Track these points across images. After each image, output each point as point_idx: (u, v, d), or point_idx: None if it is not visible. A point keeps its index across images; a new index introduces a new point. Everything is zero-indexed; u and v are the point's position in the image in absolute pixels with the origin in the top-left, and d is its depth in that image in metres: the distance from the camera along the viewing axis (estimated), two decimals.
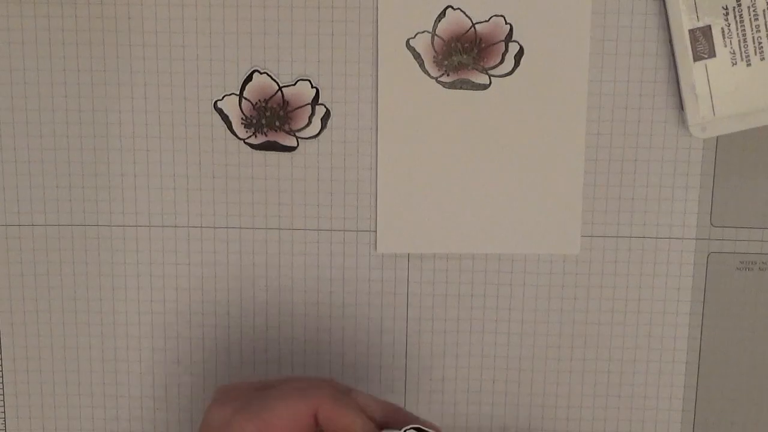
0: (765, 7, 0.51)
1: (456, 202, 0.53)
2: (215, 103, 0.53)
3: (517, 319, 0.55)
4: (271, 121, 0.53)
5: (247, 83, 0.53)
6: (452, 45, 0.52)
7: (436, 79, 0.53)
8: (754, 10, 0.51)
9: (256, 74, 0.53)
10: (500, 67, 0.52)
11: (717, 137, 0.53)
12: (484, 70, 0.52)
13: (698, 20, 0.51)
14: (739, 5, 0.51)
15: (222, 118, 0.54)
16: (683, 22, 0.51)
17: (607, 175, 0.54)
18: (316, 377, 0.46)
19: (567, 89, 0.52)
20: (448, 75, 0.53)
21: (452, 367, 0.56)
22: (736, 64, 0.51)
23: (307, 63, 0.53)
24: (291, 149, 0.54)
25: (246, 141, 0.54)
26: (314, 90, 0.53)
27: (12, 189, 0.54)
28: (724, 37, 0.51)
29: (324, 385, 0.44)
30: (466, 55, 0.52)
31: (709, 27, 0.51)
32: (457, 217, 0.54)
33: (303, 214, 0.54)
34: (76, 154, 0.54)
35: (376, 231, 0.54)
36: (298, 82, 0.53)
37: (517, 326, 0.55)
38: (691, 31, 0.51)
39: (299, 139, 0.54)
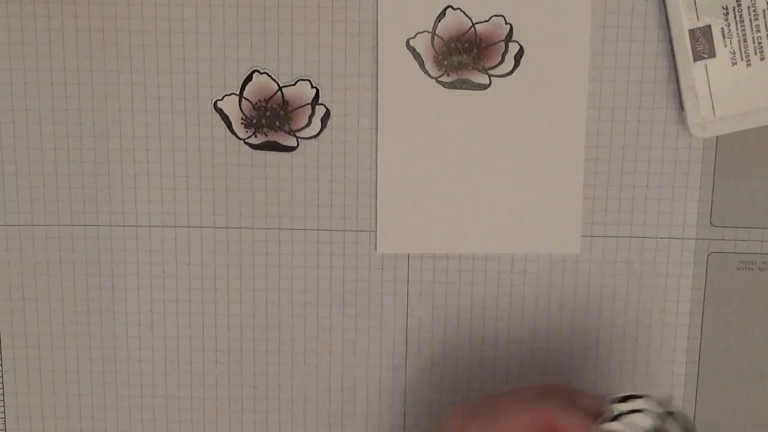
0: (765, 7, 0.51)
1: (456, 202, 0.53)
2: (215, 103, 0.53)
3: (517, 319, 0.55)
4: (271, 121, 0.53)
5: (247, 83, 0.53)
6: (452, 45, 0.52)
7: (436, 79, 0.53)
8: (754, 10, 0.51)
9: (256, 74, 0.53)
10: (500, 67, 0.52)
11: (717, 137, 0.53)
12: (484, 70, 0.52)
13: (698, 20, 0.51)
14: (739, 5, 0.51)
15: (222, 118, 0.54)
16: (683, 22, 0.51)
17: (607, 175, 0.54)
18: (545, 385, 0.46)
19: (567, 89, 0.52)
20: (448, 75, 0.53)
21: (452, 367, 0.56)
22: (736, 64, 0.51)
23: (307, 63, 0.53)
24: (291, 149, 0.54)
25: (246, 141, 0.54)
26: (314, 90, 0.53)
27: (12, 189, 0.54)
28: (724, 37, 0.51)
29: (554, 394, 0.45)
30: (466, 55, 0.52)
31: (709, 27, 0.51)
32: (457, 217, 0.54)
33: (303, 214, 0.54)
34: (76, 154, 0.54)
35: (376, 231, 0.54)
36: (298, 82, 0.53)
37: (517, 326, 0.55)
38: (691, 31, 0.51)
39: (299, 139, 0.54)
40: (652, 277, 0.54)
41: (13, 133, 0.54)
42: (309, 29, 0.53)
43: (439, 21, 0.52)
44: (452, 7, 0.52)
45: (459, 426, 0.45)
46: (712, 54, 0.51)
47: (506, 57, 0.52)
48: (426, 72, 0.53)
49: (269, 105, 0.53)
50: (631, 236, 0.54)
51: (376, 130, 0.53)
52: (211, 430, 0.57)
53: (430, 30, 0.52)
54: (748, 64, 0.51)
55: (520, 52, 0.52)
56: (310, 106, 0.53)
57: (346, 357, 0.56)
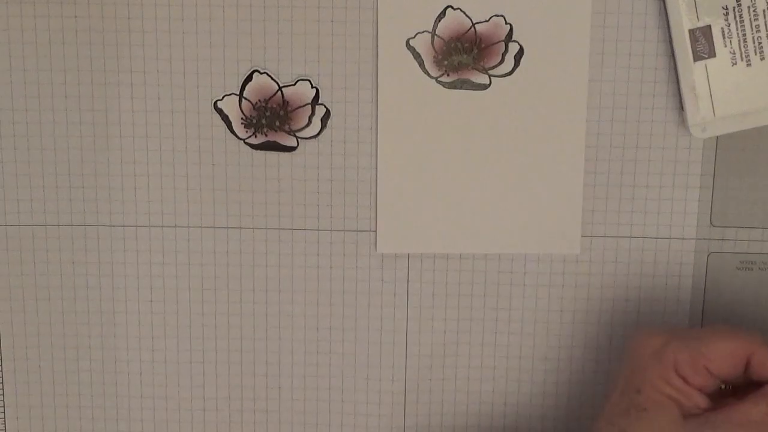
0: (765, 7, 0.51)
1: (456, 202, 0.53)
2: (215, 103, 0.53)
3: (517, 319, 0.55)
4: (271, 121, 0.53)
5: (247, 83, 0.53)
6: (452, 45, 0.52)
7: (436, 79, 0.53)
8: (754, 10, 0.51)
9: (256, 74, 0.53)
10: (500, 67, 0.52)
11: (717, 137, 0.53)
12: (484, 70, 0.52)
13: (698, 20, 0.51)
14: (739, 5, 0.51)
15: (222, 118, 0.54)
16: (683, 22, 0.51)
17: (607, 175, 0.53)
18: (742, 328, 0.48)
19: (567, 89, 0.52)
20: (448, 75, 0.53)
21: (452, 367, 0.56)
22: (736, 64, 0.51)
23: (307, 63, 0.53)
24: (291, 149, 0.54)
25: (246, 141, 0.54)
26: (314, 90, 0.53)
27: (12, 189, 0.54)
28: (724, 37, 0.51)
29: (757, 335, 0.46)
30: (466, 55, 0.52)
31: (709, 27, 0.51)
32: (457, 217, 0.54)
33: (303, 214, 0.54)
34: (76, 154, 0.54)
35: (376, 231, 0.54)
36: (298, 82, 0.53)
37: (517, 326, 0.55)
38: (691, 31, 0.51)
39: (299, 139, 0.54)
40: (652, 277, 0.54)
41: (13, 133, 0.54)
42: (309, 29, 0.53)
43: (439, 21, 0.52)
44: (452, 7, 0.52)
45: (659, 345, 0.47)
46: (712, 54, 0.51)
47: (506, 57, 0.52)
48: (426, 72, 0.53)
49: (269, 105, 0.53)
50: (631, 236, 0.54)
51: (376, 130, 0.53)
52: (211, 430, 0.57)
53: (430, 30, 0.52)
54: (748, 64, 0.51)
55: (520, 52, 0.52)
56: (310, 106, 0.53)
57: (346, 357, 0.56)
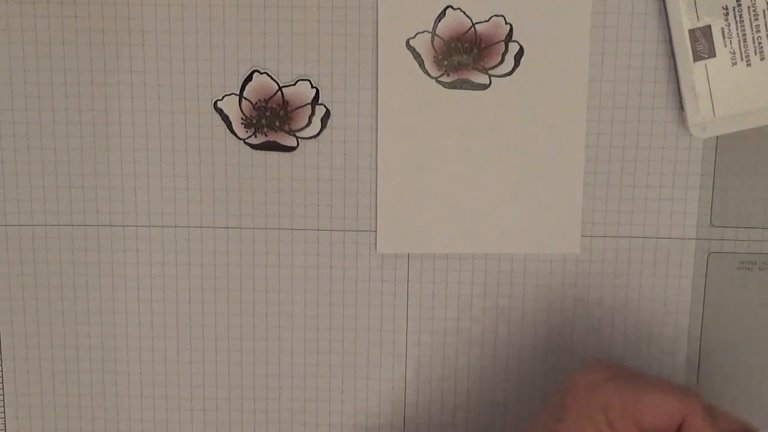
0: (765, 7, 0.51)
1: (456, 202, 0.53)
2: (215, 103, 0.53)
3: (517, 319, 0.55)
4: (271, 121, 0.53)
5: (247, 83, 0.53)
6: (452, 45, 0.52)
7: (436, 79, 0.53)
8: (754, 10, 0.51)
9: (256, 74, 0.53)
10: (500, 67, 0.52)
11: (717, 137, 0.53)
12: (484, 70, 0.53)
13: (698, 20, 0.51)
14: (739, 5, 0.51)
15: (222, 118, 0.54)
16: (683, 22, 0.51)
17: (607, 175, 0.54)
18: (684, 386, 0.46)
19: (567, 89, 0.52)
20: (448, 75, 0.53)
21: (452, 367, 0.56)
22: (736, 64, 0.51)
23: (307, 63, 0.53)
24: (291, 149, 0.54)
25: (246, 141, 0.54)
26: (314, 90, 0.53)
27: (12, 189, 0.54)
28: (724, 37, 0.51)
29: (697, 397, 0.44)
30: (466, 55, 0.52)
31: (709, 27, 0.51)
32: (457, 217, 0.54)
33: (303, 214, 0.54)
34: (76, 154, 0.54)
35: (376, 231, 0.54)
36: (298, 82, 0.53)
37: (517, 326, 0.55)
38: (691, 31, 0.51)
39: (299, 139, 0.54)
40: (652, 277, 0.54)
41: (13, 133, 0.54)
42: (309, 29, 0.53)
43: (439, 21, 0.52)
44: (452, 7, 0.52)
45: (596, 381, 0.45)
46: (712, 54, 0.51)
47: (506, 57, 0.52)
48: (426, 72, 0.53)
49: (269, 105, 0.53)
50: (631, 236, 0.54)
51: (376, 130, 0.53)
52: (211, 430, 0.57)
53: (430, 30, 0.52)
54: (748, 64, 0.51)
55: (520, 52, 0.52)
56: (310, 106, 0.53)
57: (346, 357, 0.56)
